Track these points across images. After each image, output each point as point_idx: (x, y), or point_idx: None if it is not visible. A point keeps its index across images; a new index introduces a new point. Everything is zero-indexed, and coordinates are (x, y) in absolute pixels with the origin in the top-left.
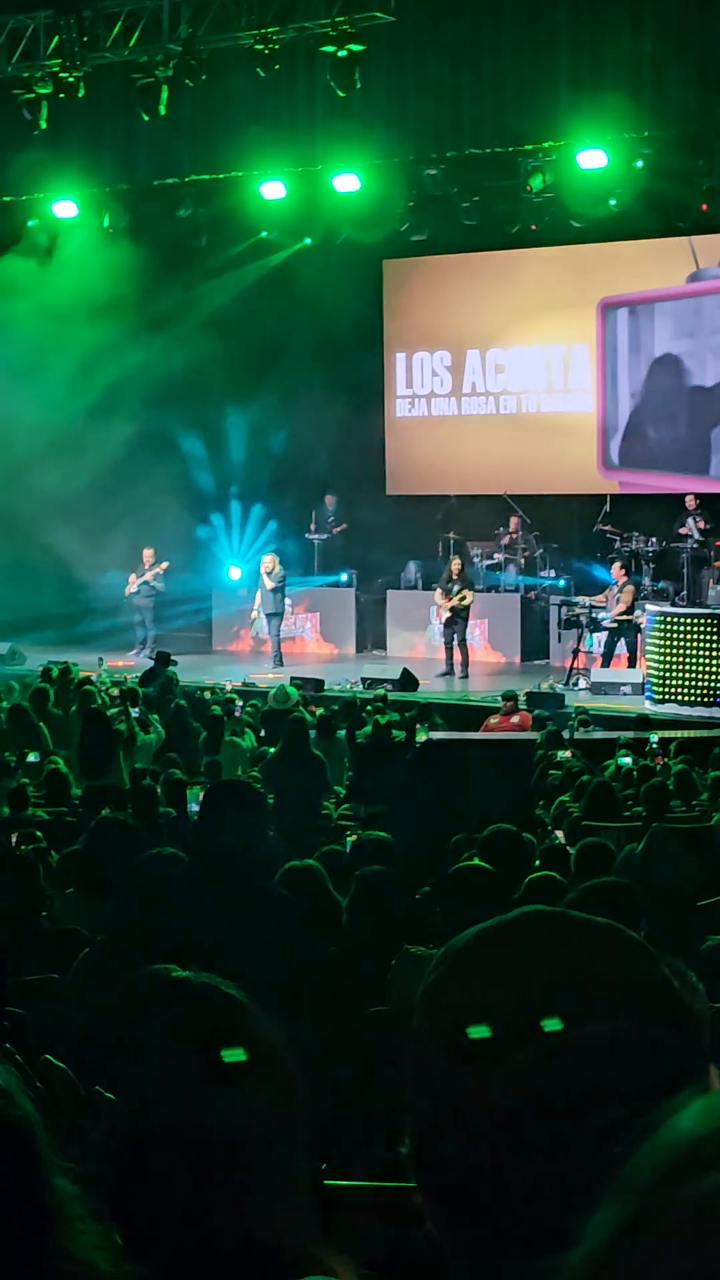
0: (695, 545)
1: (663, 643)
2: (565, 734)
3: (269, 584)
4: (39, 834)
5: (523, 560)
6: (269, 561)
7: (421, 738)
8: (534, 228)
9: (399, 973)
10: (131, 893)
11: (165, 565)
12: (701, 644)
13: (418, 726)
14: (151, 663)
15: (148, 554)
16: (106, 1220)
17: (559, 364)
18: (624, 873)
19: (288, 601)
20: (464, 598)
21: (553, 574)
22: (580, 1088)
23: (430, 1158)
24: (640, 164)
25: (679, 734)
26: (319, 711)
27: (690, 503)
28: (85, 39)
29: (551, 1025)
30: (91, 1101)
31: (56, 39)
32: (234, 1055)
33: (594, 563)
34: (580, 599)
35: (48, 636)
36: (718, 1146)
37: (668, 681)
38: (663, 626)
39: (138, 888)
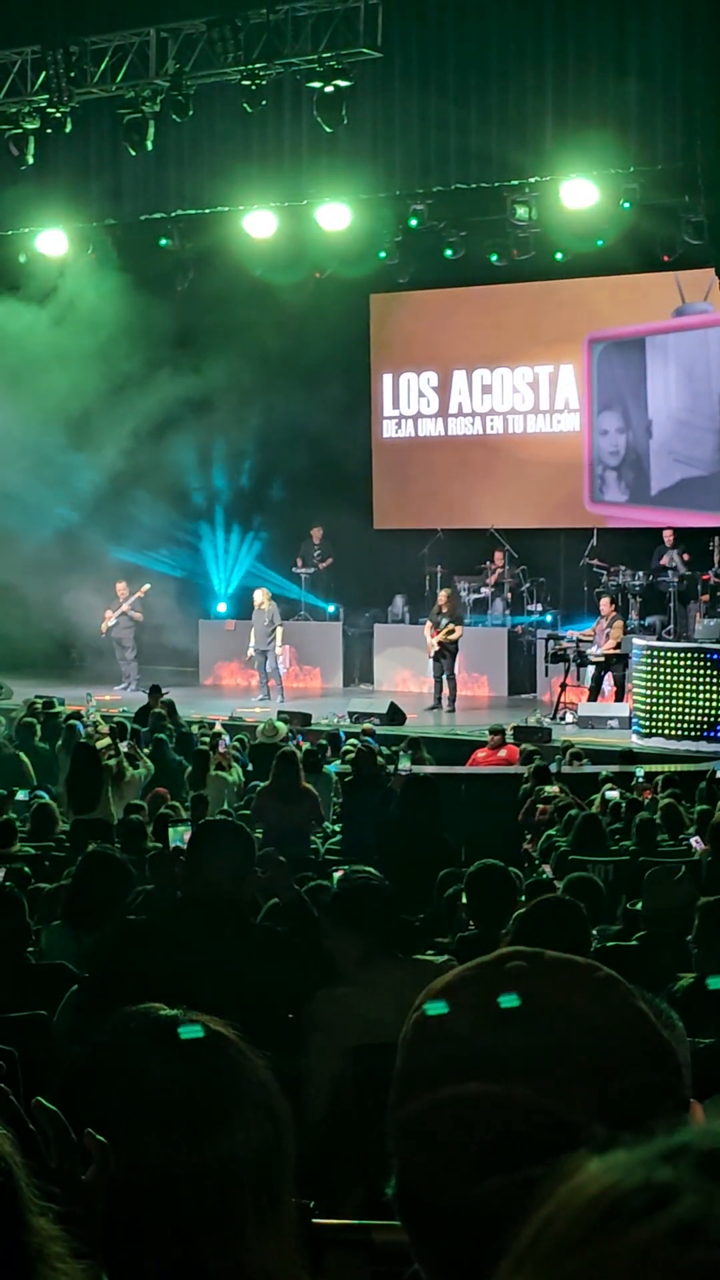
0: (680, 579)
1: (649, 677)
2: (552, 768)
3: (263, 620)
4: (26, 869)
5: (509, 595)
6: (261, 596)
7: (404, 765)
8: (516, 253)
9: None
10: (119, 929)
11: (146, 588)
12: (688, 678)
13: (401, 753)
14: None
15: (120, 587)
16: (92, 1259)
17: (545, 383)
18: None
19: (280, 631)
20: (452, 631)
21: (539, 608)
22: (561, 1126)
23: (415, 1197)
24: (627, 205)
25: (664, 768)
26: (305, 746)
27: (668, 537)
28: (72, 74)
29: (533, 1065)
30: (82, 1141)
31: (44, 74)
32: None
33: (581, 603)
34: (568, 633)
35: (34, 671)
36: (640, 1200)
37: (654, 715)
38: (649, 660)
39: (125, 924)
